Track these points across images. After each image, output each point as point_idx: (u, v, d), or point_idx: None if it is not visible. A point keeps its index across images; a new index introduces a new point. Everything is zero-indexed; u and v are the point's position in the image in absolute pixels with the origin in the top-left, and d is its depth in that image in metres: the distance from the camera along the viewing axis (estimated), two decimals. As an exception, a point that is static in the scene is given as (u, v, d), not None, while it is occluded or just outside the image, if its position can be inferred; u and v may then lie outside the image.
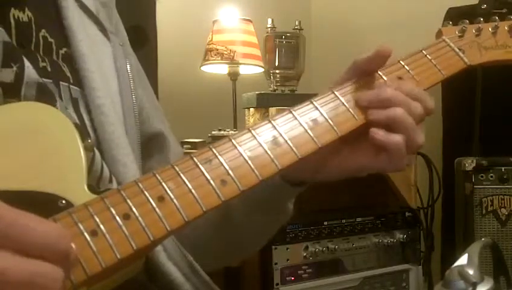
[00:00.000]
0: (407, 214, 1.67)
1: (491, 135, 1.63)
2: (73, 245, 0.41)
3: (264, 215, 0.70)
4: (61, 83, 0.61)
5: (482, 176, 1.51)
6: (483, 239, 0.73)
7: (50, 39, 0.62)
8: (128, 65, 0.71)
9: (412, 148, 0.59)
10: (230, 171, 0.51)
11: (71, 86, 0.62)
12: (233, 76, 1.87)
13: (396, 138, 0.58)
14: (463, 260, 0.65)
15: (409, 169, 1.76)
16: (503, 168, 1.50)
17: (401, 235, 1.63)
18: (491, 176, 1.51)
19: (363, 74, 0.62)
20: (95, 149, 0.59)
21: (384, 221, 1.62)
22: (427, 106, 0.60)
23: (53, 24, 0.64)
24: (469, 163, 1.51)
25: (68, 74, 0.62)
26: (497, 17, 0.70)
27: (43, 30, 0.61)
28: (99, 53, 0.67)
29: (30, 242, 0.38)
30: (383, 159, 0.59)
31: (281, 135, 0.55)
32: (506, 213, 1.49)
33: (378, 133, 0.58)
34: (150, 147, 0.75)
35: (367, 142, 0.59)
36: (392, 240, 1.62)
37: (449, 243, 1.76)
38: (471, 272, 0.63)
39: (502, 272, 0.78)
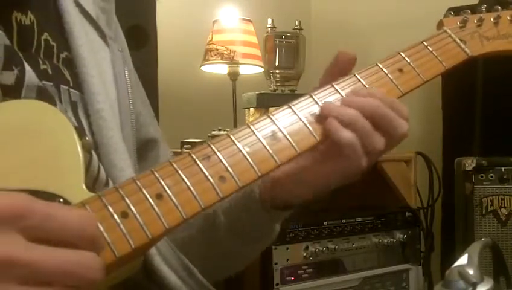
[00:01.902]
0: (407, 214, 1.67)
1: (491, 134, 1.63)
2: (100, 227, 0.44)
3: (250, 243, 0.71)
4: (61, 86, 0.61)
5: (482, 176, 1.51)
6: (483, 239, 0.73)
7: (52, 42, 0.62)
8: (126, 71, 0.71)
9: (369, 151, 0.56)
10: (229, 168, 0.50)
11: (71, 90, 0.62)
12: (233, 76, 1.87)
13: (346, 134, 0.56)
14: (463, 260, 0.65)
15: (409, 169, 1.77)
16: (503, 168, 1.50)
17: (401, 235, 1.63)
18: (491, 176, 1.51)
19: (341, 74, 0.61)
20: (92, 151, 0.58)
21: (384, 221, 1.62)
22: (396, 109, 0.57)
23: (54, 28, 0.64)
24: (469, 163, 1.51)
25: (68, 78, 0.63)
26: (499, 7, 0.69)
27: (45, 33, 0.61)
28: (99, 58, 0.67)
29: (64, 231, 0.40)
30: (342, 160, 0.58)
31: (280, 129, 0.54)
32: (506, 213, 1.49)
33: (331, 123, 0.56)
34: (144, 150, 0.75)
35: (330, 153, 0.58)
36: (392, 240, 1.62)
37: (449, 243, 1.76)
38: (471, 272, 0.63)
39: (502, 272, 0.78)
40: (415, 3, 2.14)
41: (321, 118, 0.57)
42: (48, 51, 0.61)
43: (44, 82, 0.58)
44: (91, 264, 0.40)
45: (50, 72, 0.60)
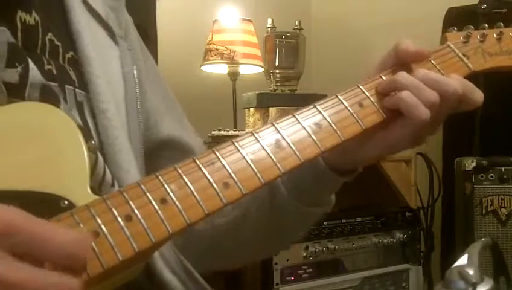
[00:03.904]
0: (407, 214, 1.68)
1: (491, 135, 1.64)
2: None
3: (309, 206, 0.70)
4: (66, 86, 0.61)
5: (482, 176, 1.51)
6: (483, 239, 0.73)
7: (57, 42, 0.62)
8: (135, 71, 0.70)
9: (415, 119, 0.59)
10: (232, 174, 0.51)
11: (76, 90, 0.62)
12: (233, 76, 1.88)
13: (402, 94, 0.59)
14: (463, 260, 0.65)
15: (409, 169, 1.77)
16: (503, 168, 1.51)
17: (401, 235, 1.64)
18: (491, 176, 1.51)
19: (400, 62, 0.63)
20: (98, 153, 0.59)
21: (384, 221, 1.63)
22: (444, 90, 0.60)
23: (60, 28, 0.63)
24: (469, 163, 1.51)
25: (74, 78, 0.62)
26: (502, 24, 0.70)
27: (50, 33, 0.61)
28: (106, 58, 0.67)
29: (49, 253, 0.40)
30: (405, 121, 0.60)
31: (283, 138, 0.55)
32: (506, 213, 1.49)
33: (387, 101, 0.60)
34: (162, 154, 0.74)
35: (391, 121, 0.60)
36: (392, 240, 1.62)
37: (449, 243, 1.77)
38: (471, 272, 0.63)
39: (502, 272, 0.78)
40: (415, 3, 2.14)
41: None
42: (53, 51, 0.61)
43: (49, 83, 0.57)
44: (73, 287, 0.40)
45: (55, 72, 0.60)
